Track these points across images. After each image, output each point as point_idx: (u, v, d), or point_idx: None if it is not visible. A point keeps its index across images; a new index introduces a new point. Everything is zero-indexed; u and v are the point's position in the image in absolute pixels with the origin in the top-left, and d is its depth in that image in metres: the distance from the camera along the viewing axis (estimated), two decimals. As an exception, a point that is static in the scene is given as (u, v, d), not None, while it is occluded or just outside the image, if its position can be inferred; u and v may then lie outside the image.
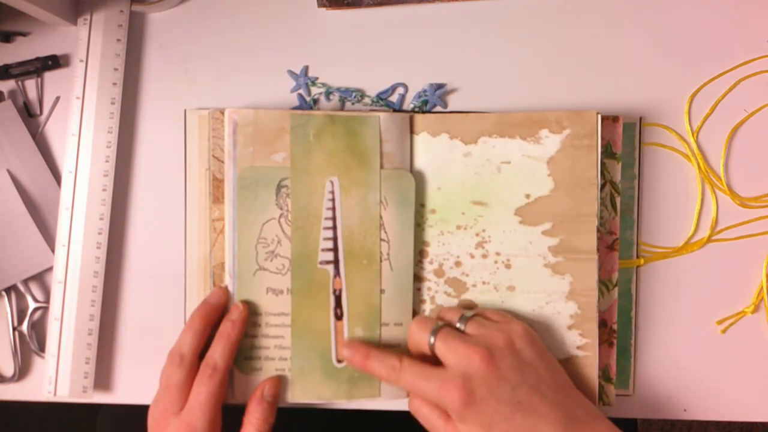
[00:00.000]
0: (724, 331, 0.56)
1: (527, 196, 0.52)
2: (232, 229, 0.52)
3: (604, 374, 0.54)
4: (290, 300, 0.52)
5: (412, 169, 0.53)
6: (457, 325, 0.49)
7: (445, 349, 0.47)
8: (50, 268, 0.56)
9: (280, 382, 0.52)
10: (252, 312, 0.52)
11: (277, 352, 0.52)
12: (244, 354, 0.52)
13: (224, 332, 0.50)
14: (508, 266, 0.52)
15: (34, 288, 0.57)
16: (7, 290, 0.56)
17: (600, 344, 0.53)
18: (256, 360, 0.52)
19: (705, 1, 0.57)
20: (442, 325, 0.48)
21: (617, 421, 0.49)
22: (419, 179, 0.53)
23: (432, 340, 0.48)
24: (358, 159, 0.52)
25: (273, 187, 0.51)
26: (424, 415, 0.49)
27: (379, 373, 0.49)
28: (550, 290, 0.52)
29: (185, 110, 0.56)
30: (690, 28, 0.57)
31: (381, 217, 0.52)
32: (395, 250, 0.52)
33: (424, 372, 0.47)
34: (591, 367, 0.52)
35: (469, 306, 0.53)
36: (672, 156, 0.56)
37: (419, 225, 0.53)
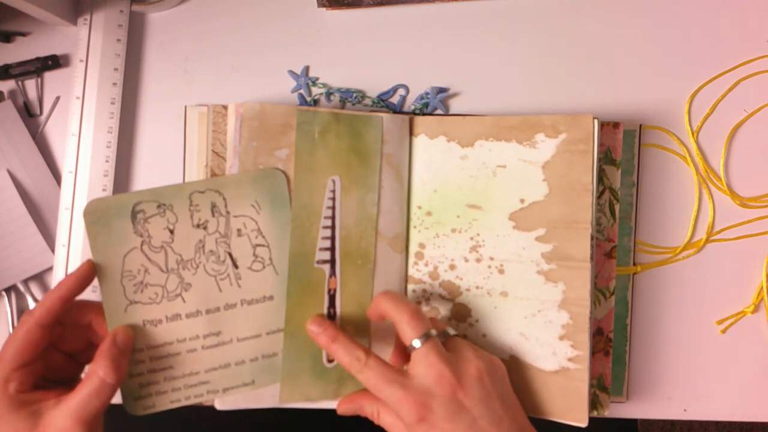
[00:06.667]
0: (724, 331, 0.56)
1: (522, 200, 0.51)
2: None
3: (599, 383, 0.53)
4: (188, 323, 0.49)
5: (410, 171, 0.53)
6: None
7: (423, 359, 0.45)
8: (50, 268, 0.56)
9: (132, 332, 0.48)
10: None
11: (168, 384, 0.49)
12: (132, 395, 0.49)
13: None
14: (501, 271, 0.52)
15: (34, 288, 0.57)
16: (7, 290, 0.57)
17: (596, 353, 0.53)
18: (147, 398, 0.49)
19: (705, 1, 0.56)
20: (434, 335, 0.46)
21: (618, 422, 0.49)
22: (415, 180, 0.53)
23: (418, 344, 0.46)
24: (360, 159, 0.52)
25: (127, 214, 0.48)
26: (387, 422, 0.48)
27: (342, 359, 0.47)
28: (543, 298, 0.51)
29: (185, 106, 0.56)
30: (690, 28, 0.56)
31: (257, 222, 0.50)
32: (276, 253, 0.51)
33: (389, 375, 0.45)
34: (582, 381, 0.50)
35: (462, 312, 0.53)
36: (670, 158, 0.56)
37: (415, 227, 0.53)
